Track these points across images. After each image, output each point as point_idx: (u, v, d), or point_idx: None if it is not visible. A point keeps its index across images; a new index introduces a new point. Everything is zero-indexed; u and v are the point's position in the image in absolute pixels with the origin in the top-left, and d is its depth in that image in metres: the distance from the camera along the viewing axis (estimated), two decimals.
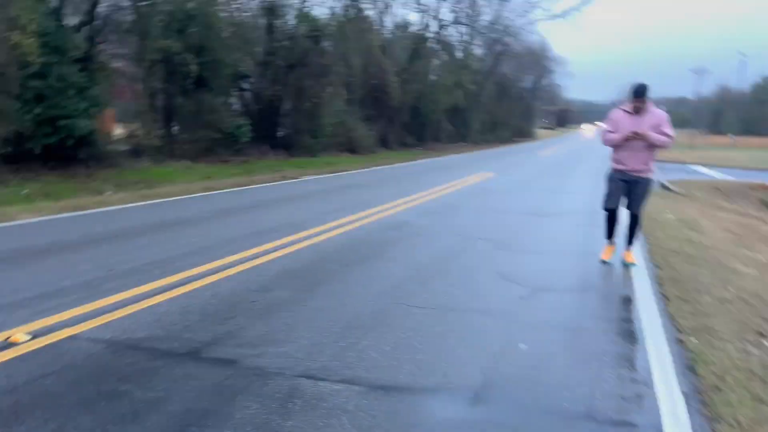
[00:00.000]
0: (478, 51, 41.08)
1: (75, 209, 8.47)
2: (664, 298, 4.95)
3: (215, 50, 17.91)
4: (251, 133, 19.77)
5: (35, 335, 3.54)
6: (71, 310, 3.99)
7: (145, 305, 4.17)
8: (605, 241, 6.25)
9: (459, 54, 37.93)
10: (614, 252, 6.17)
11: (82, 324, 3.76)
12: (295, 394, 2.96)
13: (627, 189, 5.89)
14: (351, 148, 25.25)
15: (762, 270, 6.94)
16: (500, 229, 7.96)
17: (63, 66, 12.97)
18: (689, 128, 59.18)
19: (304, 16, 22.19)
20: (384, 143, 28.48)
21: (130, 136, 17.03)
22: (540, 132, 71.60)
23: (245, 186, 11.92)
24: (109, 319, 3.88)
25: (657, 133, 5.64)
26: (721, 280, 5.76)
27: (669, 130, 5.68)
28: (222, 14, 18.86)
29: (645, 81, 5.67)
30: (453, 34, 36.50)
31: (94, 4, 14.53)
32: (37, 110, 12.64)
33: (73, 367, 3.18)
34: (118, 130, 17.38)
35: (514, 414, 2.87)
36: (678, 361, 3.62)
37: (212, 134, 18.56)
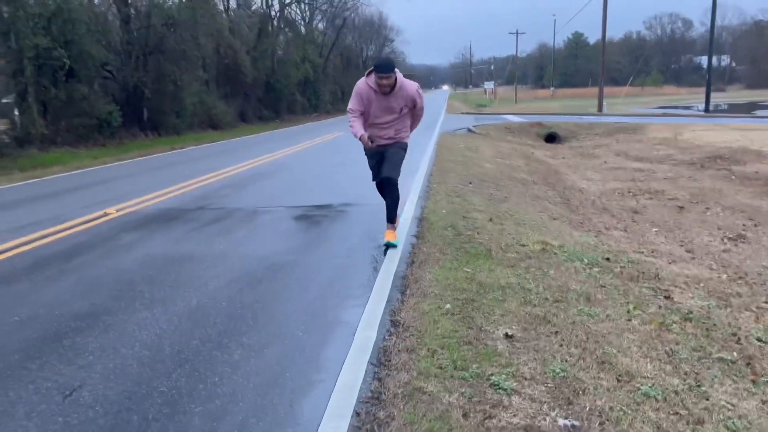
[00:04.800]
0: (320, 26, 45.26)
1: (26, 179, 11.63)
2: (431, 175, 9.73)
3: (80, 43, 20.45)
4: (121, 117, 22.52)
5: (118, 210, 7.41)
6: (128, 202, 7.79)
7: (162, 199, 8.08)
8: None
9: (302, 30, 41.87)
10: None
11: (139, 206, 7.64)
12: (258, 211, 7.21)
13: (381, 157, 5.60)
14: (213, 125, 28.50)
15: (499, 166, 12.18)
16: (348, 158, 12.52)
17: None
18: (517, 84, 68.30)
19: (155, 5, 24.95)
20: (243, 118, 31.95)
21: (11, 128, 19.22)
22: None
23: (148, 156, 15.36)
24: (150, 204, 7.78)
25: (410, 108, 5.36)
26: (467, 169, 10.75)
27: (420, 102, 5.41)
28: (80, 7, 21.28)
29: (389, 57, 5.60)
30: (295, 11, 40.35)
31: None
32: None
33: (144, 219, 7.10)
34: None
35: (357, 205, 7.34)
36: (424, 189, 8.31)
37: (87, 121, 21.15)
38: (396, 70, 5.09)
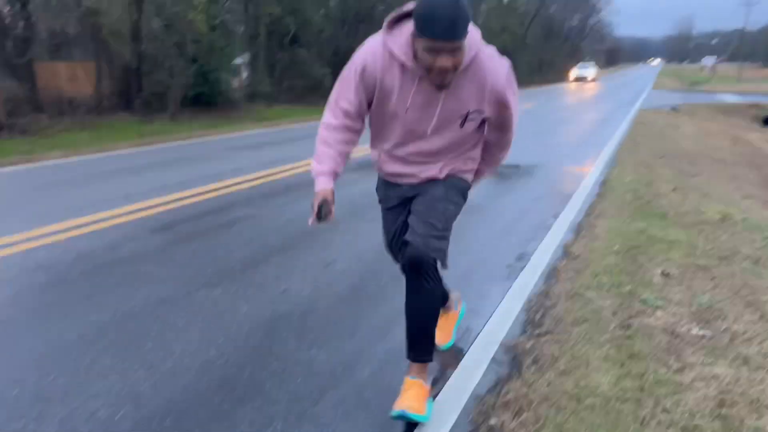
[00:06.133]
0: None
1: (260, 128, 13.98)
2: (621, 145, 10.06)
3: (304, 11, 23.10)
4: (332, 80, 25.07)
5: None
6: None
7: None
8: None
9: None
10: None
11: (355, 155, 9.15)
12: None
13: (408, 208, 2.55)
14: None
15: (698, 145, 11.97)
16: (537, 128, 13.14)
17: (209, 32, 18.39)
18: (742, 62, 61.48)
19: None
20: None
21: (245, 86, 22.55)
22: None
23: None
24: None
25: (493, 115, 2.35)
26: (662, 144, 10.83)
27: (513, 112, 2.39)
28: None
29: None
30: None
31: None
32: (194, 68, 18.15)
33: (361, 164, 8.55)
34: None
35: (542, 167, 8.11)
36: (613, 158, 8.77)
37: (304, 82, 23.95)
38: (472, 27, 2.12)
